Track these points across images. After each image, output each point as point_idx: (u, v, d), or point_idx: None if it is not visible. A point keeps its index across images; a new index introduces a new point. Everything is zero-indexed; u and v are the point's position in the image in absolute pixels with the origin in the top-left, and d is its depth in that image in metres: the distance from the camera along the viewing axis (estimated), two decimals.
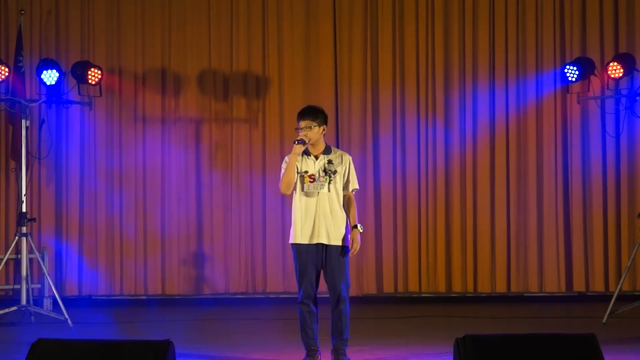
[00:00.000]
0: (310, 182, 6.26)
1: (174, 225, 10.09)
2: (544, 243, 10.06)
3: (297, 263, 6.28)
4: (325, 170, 6.28)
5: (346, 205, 6.35)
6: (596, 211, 10.04)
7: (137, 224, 10.08)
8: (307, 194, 6.25)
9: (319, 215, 6.22)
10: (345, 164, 6.34)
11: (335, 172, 6.28)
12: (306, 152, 6.32)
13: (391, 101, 10.18)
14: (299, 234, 6.25)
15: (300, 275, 6.26)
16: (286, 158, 6.33)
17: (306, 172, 6.27)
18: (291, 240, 6.31)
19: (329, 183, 6.27)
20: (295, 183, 6.28)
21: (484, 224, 10.08)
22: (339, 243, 6.25)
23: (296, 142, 6.20)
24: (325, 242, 6.21)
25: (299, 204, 6.27)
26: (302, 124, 6.27)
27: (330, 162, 6.31)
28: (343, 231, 6.28)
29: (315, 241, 6.22)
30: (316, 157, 6.32)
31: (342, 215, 6.30)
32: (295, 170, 6.23)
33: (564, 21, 10.14)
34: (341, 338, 6.27)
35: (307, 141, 6.23)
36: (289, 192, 6.28)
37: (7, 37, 10.04)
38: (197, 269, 10.14)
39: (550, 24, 10.14)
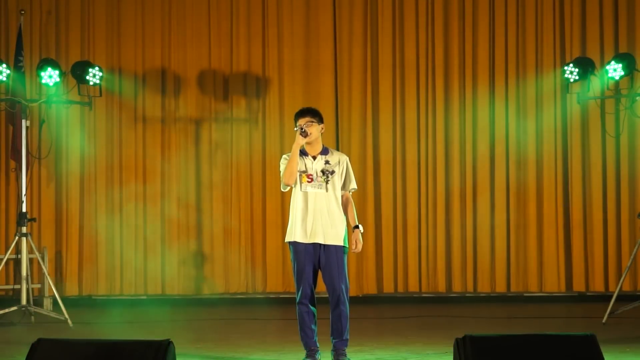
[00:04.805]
0: (308, 182, 6.26)
1: (174, 225, 10.10)
2: (544, 243, 10.06)
3: (295, 263, 6.28)
4: (322, 171, 6.28)
5: (344, 206, 6.36)
6: (596, 211, 10.04)
7: (137, 224, 10.09)
8: (304, 194, 6.25)
9: (316, 215, 6.22)
10: (342, 165, 6.34)
11: (332, 172, 6.29)
12: (304, 153, 6.32)
13: (391, 101, 10.19)
14: (297, 233, 6.25)
15: (298, 275, 6.26)
16: (285, 155, 6.34)
17: (304, 171, 6.28)
18: (288, 239, 6.31)
19: (327, 183, 6.27)
20: (294, 183, 6.28)
21: (483, 223, 10.08)
22: (337, 243, 6.24)
23: (299, 131, 6.19)
24: (321, 241, 6.22)
25: (297, 203, 6.27)
26: (302, 121, 6.28)
27: (327, 162, 6.32)
28: (341, 231, 6.28)
29: (312, 240, 6.22)
30: (314, 158, 6.32)
31: (339, 215, 6.30)
32: (298, 160, 6.23)
33: (564, 21, 10.15)
34: (341, 338, 6.27)
35: (309, 134, 6.23)
36: (292, 182, 6.23)
37: (7, 37, 10.06)
38: (197, 269, 10.14)
39: (550, 24, 10.14)
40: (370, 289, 10.12)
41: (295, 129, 6.27)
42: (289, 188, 6.34)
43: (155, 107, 10.21)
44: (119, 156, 10.13)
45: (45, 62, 8.79)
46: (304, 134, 6.21)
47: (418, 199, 10.14)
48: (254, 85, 10.25)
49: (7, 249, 9.03)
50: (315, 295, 6.32)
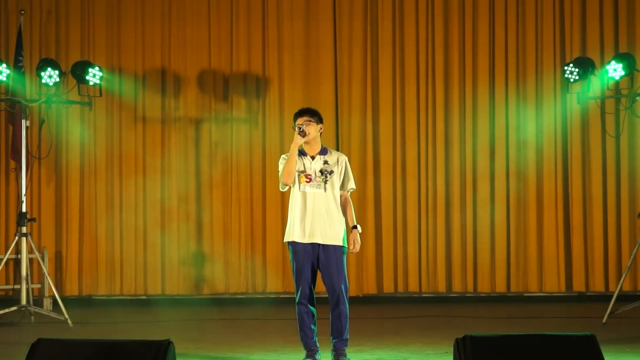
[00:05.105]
0: (306, 182, 6.26)
1: (174, 225, 10.10)
2: (544, 243, 10.06)
3: (294, 263, 6.28)
4: (321, 171, 6.29)
5: (343, 206, 6.36)
6: (596, 211, 10.04)
7: (137, 224, 10.09)
8: (303, 194, 6.26)
9: (315, 215, 6.22)
10: (341, 165, 6.35)
11: (331, 172, 6.29)
12: (303, 153, 6.32)
13: (391, 101, 10.19)
14: (295, 233, 6.25)
15: (297, 275, 6.26)
16: (283, 155, 6.34)
17: (303, 171, 6.28)
18: (287, 239, 6.32)
19: (325, 183, 6.27)
20: (292, 183, 6.28)
21: (484, 223, 10.08)
22: (336, 243, 6.25)
23: (297, 130, 6.20)
24: (320, 241, 6.22)
25: (296, 203, 6.28)
26: (301, 120, 6.29)
27: (326, 162, 6.32)
28: (340, 231, 6.28)
29: (311, 240, 6.23)
30: (312, 158, 6.32)
31: (338, 215, 6.30)
32: (296, 160, 6.24)
33: (564, 21, 10.14)
34: (341, 338, 6.28)
35: (307, 133, 6.23)
36: (290, 182, 6.25)
37: (7, 37, 10.06)
38: (197, 269, 10.14)
39: (550, 24, 10.14)
40: (370, 289, 10.12)
41: (293, 127, 6.28)
42: (287, 188, 6.35)
43: (155, 107, 10.20)
44: (119, 156, 10.13)
45: (45, 62, 8.78)
46: (302, 133, 6.21)
47: (418, 199, 10.14)
48: (254, 85, 10.25)
49: (7, 249, 9.03)
50: (315, 295, 6.32)
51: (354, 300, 7.54)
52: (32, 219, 8.83)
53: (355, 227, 6.35)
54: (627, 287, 9.67)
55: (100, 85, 9.06)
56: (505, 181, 10.12)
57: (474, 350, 4.48)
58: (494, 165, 10.12)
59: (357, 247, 6.31)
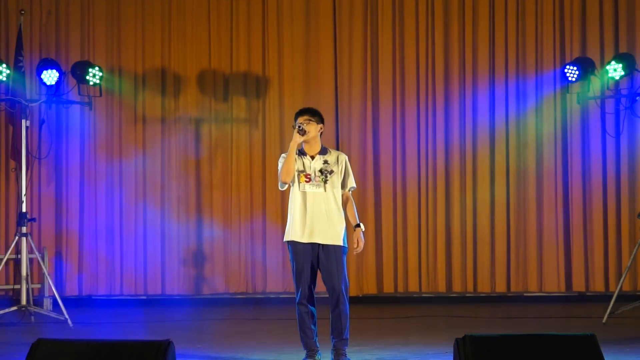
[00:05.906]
0: (306, 181, 6.27)
1: (174, 225, 10.10)
2: (544, 243, 10.05)
3: (294, 263, 6.29)
4: (321, 170, 6.29)
5: (345, 205, 6.36)
6: (596, 211, 10.04)
7: (137, 224, 10.09)
8: (302, 194, 6.26)
9: (315, 215, 6.22)
10: (341, 164, 6.35)
11: (331, 172, 6.29)
12: (302, 152, 6.33)
13: (391, 100, 10.19)
14: (295, 232, 6.26)
15: (297, 275, 6.26)
16: (283, 154, 6.35)
17: (302, 171, 6.28)
18: (287, 238, 6.33)
19: (325, 183, 6.28)
20: (292, 182, 6.29)
21: (483, 224, 10.08)
22: (336, 243, 6.25)
23: (297, 128, 6.20)
24: (320, 241, 6.22)
25: (295, 203, 6.28)
26: (301, 119, 6.30)
27: (326, 162, 6.32)
28: (340, 231, 6.28)
29: (310, 240, 6.23)
30: (312, 157, 6.32)
31: (338, 215, 6.30)
32: (295, 158, 6.24)
33: (564, 21, 10.14)
34: (341, 338, 6.28)
35: (306, 131, 6.24)
36: (288, 180, 6.25)
37: (7, 37, 10.05)
38: (197, 269, 10.14)
39: (550, 24, 10.14)
40: (370, 289, 10.12)
41: (293, 126, 6.28)
42: (286, 186, 6.35)
43: (155, 107, 10.21)
44: (119, 156, 10.13)
45: (45, 62, 8.78)
46: (302, 131, 6.22)
47: (418, 199, 10.14)
48: (254, 85, 10.25)
49: (7, 249, 9.04)
50: (315, 296, 6.32)
51: (354, 300, 7.54)
52: (32, 219, 8.84)
53: (358, 225, 6.34)
54: (627, 287, 9.67)
55: (100, 85, 9.07)
56: (505, 181, 10.12)
57: (474, 350, 4.48)
58: (494, 166, 10.12)
59: (361, 245, 6.30)
